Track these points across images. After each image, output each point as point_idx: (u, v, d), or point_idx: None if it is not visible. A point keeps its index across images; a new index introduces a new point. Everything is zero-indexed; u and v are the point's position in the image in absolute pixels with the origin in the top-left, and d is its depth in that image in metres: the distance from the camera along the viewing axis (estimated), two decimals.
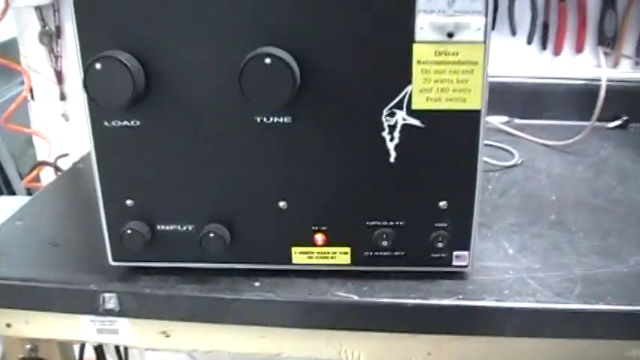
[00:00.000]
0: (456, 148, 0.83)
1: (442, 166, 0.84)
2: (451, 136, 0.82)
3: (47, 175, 1.71)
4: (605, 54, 1.51)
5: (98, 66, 0.78)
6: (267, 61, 0.75)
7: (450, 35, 0.77)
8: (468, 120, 0.81)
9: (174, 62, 0.81)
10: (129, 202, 0.88)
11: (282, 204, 0.86)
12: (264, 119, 0.82)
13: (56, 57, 1.65)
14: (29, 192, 1.82)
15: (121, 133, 0.84)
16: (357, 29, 0.78)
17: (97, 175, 0.87)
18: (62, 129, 1.71)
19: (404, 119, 0.81)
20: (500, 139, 1.43)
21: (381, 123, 0.81)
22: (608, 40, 1.56)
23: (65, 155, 1.59)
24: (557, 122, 1.55)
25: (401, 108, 0.80)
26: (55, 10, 1.61)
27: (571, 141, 1.39)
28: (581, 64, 1.59)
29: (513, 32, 1.54)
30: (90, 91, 0.79)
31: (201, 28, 0.79)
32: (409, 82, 0.79)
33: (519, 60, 1.58)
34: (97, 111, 0.83)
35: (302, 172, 0.85)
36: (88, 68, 0.78)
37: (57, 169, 1.57)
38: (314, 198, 0.86)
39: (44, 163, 1.63)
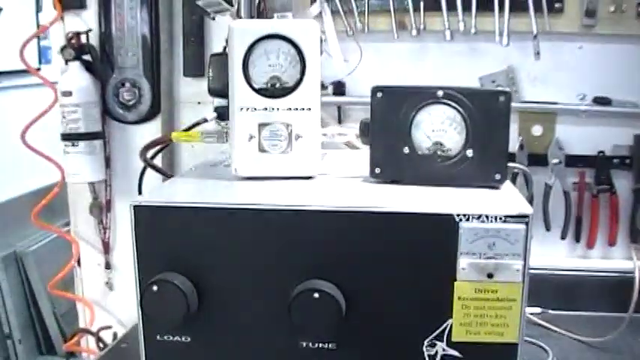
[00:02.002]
0: None
1: None
2: None
3: (87, 341, 1.74)
4: (637, 250, 1.55)
5: (155, 288, 0.83)
6: (316, 295, 0.80)
7: (490, 276, 0.81)
8: (505, 352, 0.84)
9: (225, 286, 0.86)
10: None
11: None
12: (310, 344, 0.85)
13: (105, 228, 1.71)
14: (69, 354, 1.84)
15: (171, 347, 0.88)
16: (402, 267, 0.82)
17: None
18: (106, 297, 1.76)
19: (444, 350, 0.84)
20: (534, 333, 1.44)
21: (422, 353, 0.84)
22: None
23: (108, 327, 1.63)
24: (590, 314, 1.56)
25: (441, 340, 0.84)
26: (107, 185, 1.68)
27: (604, 339, 1.40)
28: (613, 257, 1.62)
29: (547, 227, 1.58)
30: (146, 310, 0.84)
31: (252, 258, 0.84)
32: (450, 316, 0.83)
33: (553, 252, 1.62)
34: (151, 326, 0.87)
35: None
36: (145, 289, 0.83)
37: (99, 339, 1.61)
38: None
39: (86, 331, 1.67)
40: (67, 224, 1.81)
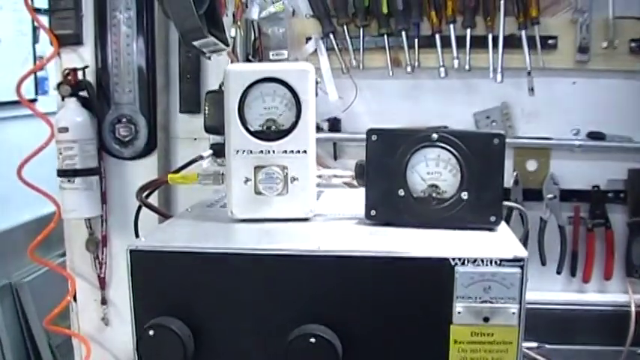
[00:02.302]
0: None
1: None
2: None
3: None
4: (633, 283, 1.56)
5: (151, 332, 0.83)
6: (312, 340, 0.80)
7: (486, 320, 0.81)
8: None
9: (222, 331, 0.86)
10: None
11: None
12: None
13: (100, 264, 1.71)
14: None
15: None
16: (398, 310, 0.83)
17: None
18: (102, 332, 1.75)
19: None
20: None
21: None
22: (635, 268, 1.59)
23: None
24: (587, 348, 1.56)
25: None
26: (103, 221, 1.68)
27: None
28: (609, 291, 1.62)
29: (543, 262, 1.58)
30: (142, 355, 0.84)
31: (249, 303, 0.85)
32: (446, 358, 0.83)
33: (549, 287, 1.62)
34: None
35: None
36: (141, 334, 0.83)
37: None
38: None
39: None
40: (63, 255, 1.80)
